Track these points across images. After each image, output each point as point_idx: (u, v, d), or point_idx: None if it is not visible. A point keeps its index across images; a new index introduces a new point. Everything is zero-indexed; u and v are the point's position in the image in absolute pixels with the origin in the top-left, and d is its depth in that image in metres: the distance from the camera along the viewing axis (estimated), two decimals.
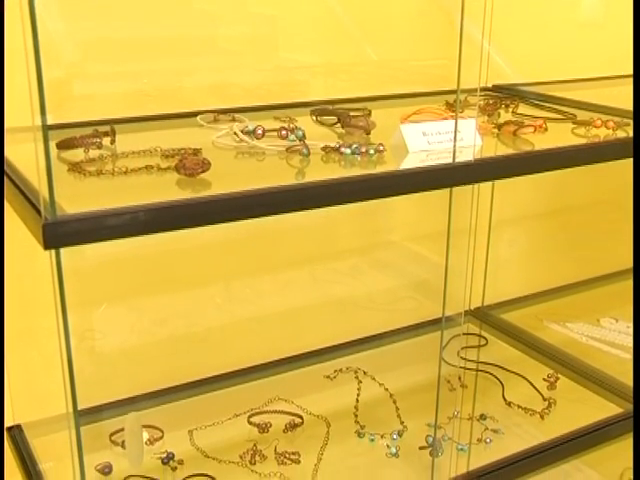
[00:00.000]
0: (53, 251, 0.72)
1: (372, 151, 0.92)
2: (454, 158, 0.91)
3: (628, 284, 1.24)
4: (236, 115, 1.11)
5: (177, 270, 1.24)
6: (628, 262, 1.15)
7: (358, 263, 1.48)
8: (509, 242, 1.63)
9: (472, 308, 1.55)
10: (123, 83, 1.12)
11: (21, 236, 0.78)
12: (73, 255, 1.10)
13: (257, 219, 1.25)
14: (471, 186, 1.06)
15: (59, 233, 0.68)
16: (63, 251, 0.72)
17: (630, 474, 1.58)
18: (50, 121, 0.70)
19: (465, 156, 0.92)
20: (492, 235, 1.57)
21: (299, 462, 1.09)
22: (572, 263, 1.65)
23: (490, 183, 1.51)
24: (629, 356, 1.42)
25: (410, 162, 0.92)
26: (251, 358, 1.33)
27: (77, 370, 0.79)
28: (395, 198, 1.45)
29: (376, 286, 1.50)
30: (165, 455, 1.09)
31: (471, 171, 0.91)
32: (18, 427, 1.15)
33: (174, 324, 1.28)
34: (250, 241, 1.28)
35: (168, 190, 0.81)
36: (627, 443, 1.25)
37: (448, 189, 0.95)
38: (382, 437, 1.16)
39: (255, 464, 1.09)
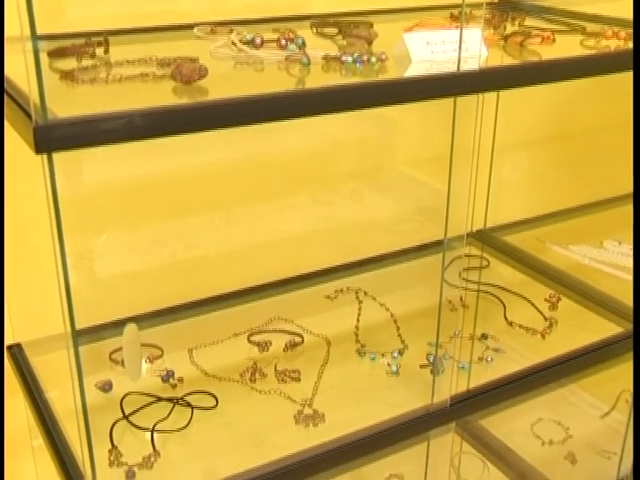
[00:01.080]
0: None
1: (374, 59, 0.89)
2: (459, 67, 0.88)
3: (632, 208, 1.22)
4: (234, 27, 1.07)
5: (177, 195, 1.23)
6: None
7: (359, 186, 1.46)
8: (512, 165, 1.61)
9: (474, 230, 1.54)
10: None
11: (21, 157, 0.76)
12: (73, 180, 1.10)
13: (258, 144, 1.25)
14: (475, 108, 1.03)
15: (51, 137, 0.66)
16: (61, 177, 0.71)
17: (627, 396, 1.60)
18: (41, 31, 0.67)
19: (470, 65, 0.89)
20: (495, 158, 1.55)
21: (299, 380, 1.09)
22: (576, 186, 1.63)
23: (494, 106, 1.48)
24: (631, 277, 1.41)
25: (413, 71, 0.89)
26: (251, 279, 1.32)
27: (75, 290, 0.78)
28: (397, 121, 1.44)
29: (377, 209, 1.48)
30: (165, 373, 1.09)
31: (476, 80, 0.88)
32: (18, 346, 1.15)
33: (174, 245, 1.26)
34: (251, 165, 1.26)
35: (164, 97, 0.79)
36: (624, 367, 1.26)
37: (452, 111, 0.93)
38: (383, 356, 1.16)
39: (255, 382, 1.09)
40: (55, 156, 0.70)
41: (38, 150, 0.66)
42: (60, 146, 0.67)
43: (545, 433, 1.66)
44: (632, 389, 1.15)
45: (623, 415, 1.55)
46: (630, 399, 1.48)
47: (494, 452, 1.61)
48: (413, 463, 1.49)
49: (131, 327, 1.01)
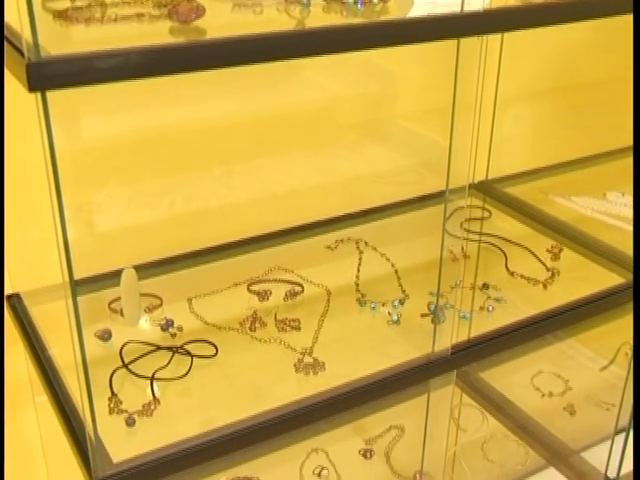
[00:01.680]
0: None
1: (376, 0, 0.87)
2: (462, 8, 0.86)
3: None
4: None
5: (176, 147, 1.21)
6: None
7: (360, 139, 1.44)
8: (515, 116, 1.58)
9: (476, 182, 1.52)
10: None
11: (22, 108, 0.74)
12: (71, 133, 1.08)
13: (259, 98, 1.22)
14: (478, 56, 1.01)
15: (44, 74, 0.64)
16: (59, 130, 0.70)
17: (627, 349, 1.60)
18: None
19: (474, 7, 0.87)
20: (498, 110, 1.52)
21: (299, 329, 1.09)
22: (579, 138, 1.61)
23: (497, 57, 1.46)
24: None
25: (416, 12, 0.87)
26: (251, 230, 1.31)
27: (74, 240, 0.77)
28: (398, 74, 1.42)
29: (379, 160, 1.47)
30: (164, 322, 1.08)
31: (480, 21, 0.86)
32: (17, 296, 1.14)
33: (174, 197, 1.25)
34: (251, 119, 1.24)
35: (161, 36, 0.77)
36: (623, 321, 1.26)
37: (454, 63, 0.92)
38: (383, 305, 1.15)
39: (255, 331, 1.08)
40: (52, 108, 0.69)
41: (31, 88, 0.64)
42: (54, 84, 0.65)
43: (545, 385, 1.67)
44: (632, 339, 1.15)
45: (622, 369, 1.55)
46: (630, 352, 1.48)
47: (494, 404, 1.61)
48: (413, 415, 1.50)
49: (129, 272, 1.00)
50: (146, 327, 1.09)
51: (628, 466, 1.44)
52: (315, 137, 1.37)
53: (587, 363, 1.77)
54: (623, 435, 1.44)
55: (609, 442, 1.44)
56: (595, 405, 1.65)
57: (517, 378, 1.71)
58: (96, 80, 0.67)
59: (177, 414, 0.96)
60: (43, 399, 1.01)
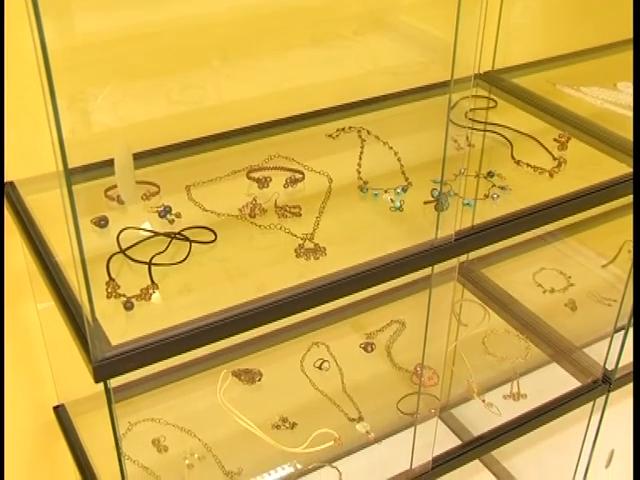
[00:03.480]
0: None
1: None
2: None
3: None
4: None
5: (173, 42, 1.16)
6: None
7: (362, 28, 1.39)
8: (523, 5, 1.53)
9: (482, 72, 1.48)
10: None
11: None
12: (64, 25, 1.04)
13: None
14: None
15: None
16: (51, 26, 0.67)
17: (629, 246, 1.59)
18: None
19: None
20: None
21: (300, 215, 1.07)
22: (590, 28, 1.56)
23: None
24: None
25: None
26: (250, 119, 1.27)
27: (68, 129, 0.74)
28: None
29: (383, 51, 1.42)
30: (162, 208, 1.06)
31: None
32: (11, 184, 1.12)
33: (171, 87, 1.21)
34: (249, 13, 1.20)
35: None
36: (626, 221, 1.24)
37: None
38: (386, 192, 1.12)
39: (255, 217, 1.06)
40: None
41: None
42: None
43: (546, 282, 1.67)
44: (632, 233, 1.14)
45: (623, 268, 1.54)
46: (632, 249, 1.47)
47: (496, 300, 1.62)
48: (415, 310, 1.50)
49: (123, 146, 0.96)
50: (144, 213, 1.07)
51: (625, 360, 1.45)
52: (316, 29, 1.32)
53: (589, 262, 1.76)
54: (622, 332, 1.44)
55: (608, 340, 1.45)
56: (596, 301, 1.65)
57: (519, 275, 1.71)
58: None
59: (176, 298, 0.94)
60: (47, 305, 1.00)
